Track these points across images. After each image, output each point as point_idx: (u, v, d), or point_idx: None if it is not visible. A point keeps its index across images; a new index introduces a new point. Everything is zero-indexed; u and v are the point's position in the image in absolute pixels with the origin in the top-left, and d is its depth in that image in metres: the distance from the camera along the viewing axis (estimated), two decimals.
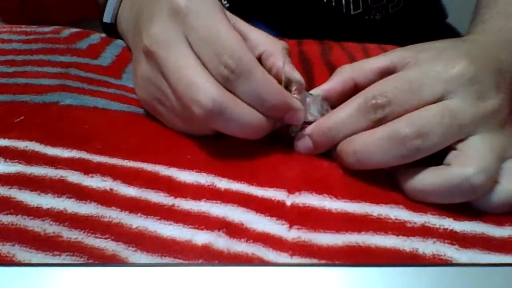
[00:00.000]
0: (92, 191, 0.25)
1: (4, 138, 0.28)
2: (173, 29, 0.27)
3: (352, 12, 0.55)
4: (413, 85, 0.26)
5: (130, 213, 0.24)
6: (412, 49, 0.29)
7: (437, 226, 0.25)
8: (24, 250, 0.22)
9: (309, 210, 0.25)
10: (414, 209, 0.26)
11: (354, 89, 0.30)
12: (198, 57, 0.26)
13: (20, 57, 0.37)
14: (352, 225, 0.24)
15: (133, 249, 0.22)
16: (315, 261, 0.23)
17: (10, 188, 0.25)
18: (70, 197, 0.25)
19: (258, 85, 0.26)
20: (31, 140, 0.28)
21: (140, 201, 0.25)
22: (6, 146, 0.27)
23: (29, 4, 0.63)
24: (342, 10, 0.55)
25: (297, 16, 0.57)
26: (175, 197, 0.25)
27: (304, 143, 0.29)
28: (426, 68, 0.27)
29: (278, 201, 0.26)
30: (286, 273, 0.20)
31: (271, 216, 0.25)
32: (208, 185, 0.26)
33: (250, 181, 0.27)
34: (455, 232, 0.25)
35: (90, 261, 0.22)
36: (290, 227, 0.24)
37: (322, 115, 0.29)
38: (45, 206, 0.24)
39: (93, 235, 0.23)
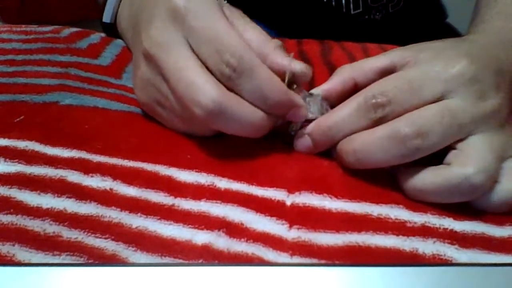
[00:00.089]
0: (92, 191, 0.25)
1: (4, 138, 0.28)
2: (172, 31, 0.27)
3: (352, 12, 0.55)
4: (413, 84, 0.26)
5: (130, 213, 0.24)
6: (412, 48, 0.29)
7: (437, 226, 0.25)
8: (24, 250, 0.22)
9: (309, 210, 0.25)
10: (414, 209, 0.26)
11: (354, 89, 0.30)
12: (199, 58, 0.26)
13: (20, 57, 0.37)
14: (352, 225, 0.24)
15: (133, 249, 0.22)
16: (315, 261, 0.23)
17: (10, 188, 0.25)
18: (70, 197, 0.25)
19: (261, 82, 0.26)
20: (31, 140, 0.28)
21: (140, 201, 0.25)
22: (6, 146, 0.27)
23: (29, 4, 0.63)
24: (342, 9, 0.55)
25: (297, 16, 0.57)
26: (175, 197, 0.25)
27: (303, 142, 0.29)
28: (426, 67, 0.27)
29: (278, 201, 0.26)
30: (286, 273, 0.20)
31: (271, 216, 0.25)
32: (208, 185, 0.26)
33: (250, 181, 0.27)
34: (455, 232, 0.25)
35: (90, 261, 0.22)
36: (290, 227, 0.24)
37: (322, 114, 0.29)
38: (45, 206, 0.24)
39: (93, 235, 0.23)
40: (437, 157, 0.26)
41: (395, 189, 0.27)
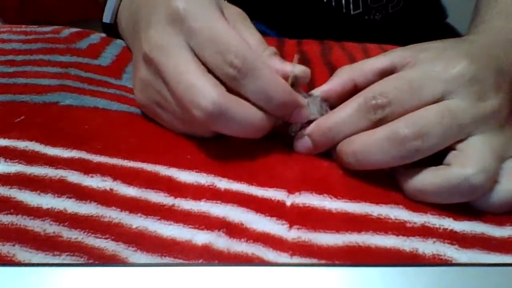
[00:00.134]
0: (92, 191, 0.25)
1: (4, 138, 0.28)
2: (172, 34, 0.27)
3: (352, 12, 0.55)
4: (413, 85, 0.26)
5: (130, 213, 0.24)
6: (412, 49, 0.29)
7: (437, 226, 0.25)
8: (24, 250, 0.22)
9: (309, 210, 0.25)
10: (414, 209, 0.26)
11: (354, 90, 0.30)
12: (200, 60, 0.26)
13: (20, 57, 0.37)
14: (352, 225, 0.24)
15: (133, 249, 0.22)
16: (315, 261, 0.23)
17: (10, 188, 0.25)
18: (70, 197, 0.25)
19: (266, 82, 0.26)
20: (31, 140, 0.28)
21: (140, 201, 0.25)
22: (6, 146, 0.27)
23: (29, 4, 0.63)
24: (342, 10, 0.55)
25: (297, 16, 0.57)
26: (175, 197, 0.25)
27: (303, 143, 0.29)
28: (426, 68, 0.27)
29: (278, 201, 0.26)
30: (286, 273, 0.20)
31: (271, 216, 0.25)
32: (208, 185, 0.26)
33: (250, 181, 0.27)
34: (455, 232, 0.25)
35: (90, 261, 0.22)
36: (290, 227, 0.24)
37: (322, 115, 0.29)
38: (45, 206, 0.24)
39: (93, 235, 0.23)
40: (437, 158, 0.26)
41: (395, 189, 0.27)
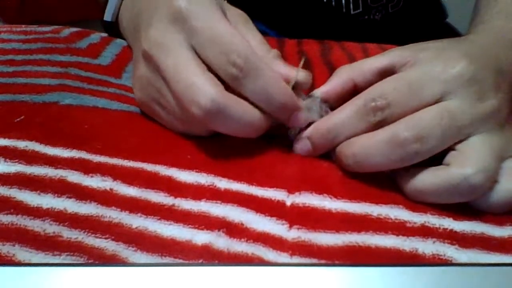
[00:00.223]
0: (92, 191, 0.25)
1: (4, 138, 0.28)
2: (173, 32, 0.27)
3: (352, 12, 0.55)
4: (413, 86, 0.26)
5: (130, 213, 0.24)
6: (411, 48, 0.29)
7: (437, 226, 0.25)
8: (24, 250, 0.22)
9: (309, 210, 0.25)
10: (414, 209, 0.26)
11: (354, 90, 0.30)
12: (202, 59, 0.26)
13: (19, 57, 0.37)
14: (352, 225, 0.24)
15: (133, 249, 0.22)
16: (315, 261, 0.23)
17: (10, 188, 0.25)
18: (70, 197, 0.25)
19: (267, 82, 0.26)
20: (31, 140, 0.28)
21: (140, 201, 0.25)
22: (6, 146, 0.27)
23: (29, 4, 0.63)
24: (342, 9, 0.55)
25: (297, 16, 0.57)
26: (175, 197, 0.25)
27: (303, 145, 0.29)
28: (425, 68, 0.27)
29: (278, 201, 0.26)
30: (286, 273, 0.20)
31: (271, 216, 0.25)
32: (208, 185, 0.26)
33: (250, 181, 0.27)
34: (455, 232, 0.25)
35: (90, 261, 0.22)
36: (290, 227, 0.24)
37: (321, 116, 0.29)
38: (45, 206, 0.24)
39: (93, 235, 0.23)
40: (437, 158, 0.26)
41: (395, 189, 0.27)
